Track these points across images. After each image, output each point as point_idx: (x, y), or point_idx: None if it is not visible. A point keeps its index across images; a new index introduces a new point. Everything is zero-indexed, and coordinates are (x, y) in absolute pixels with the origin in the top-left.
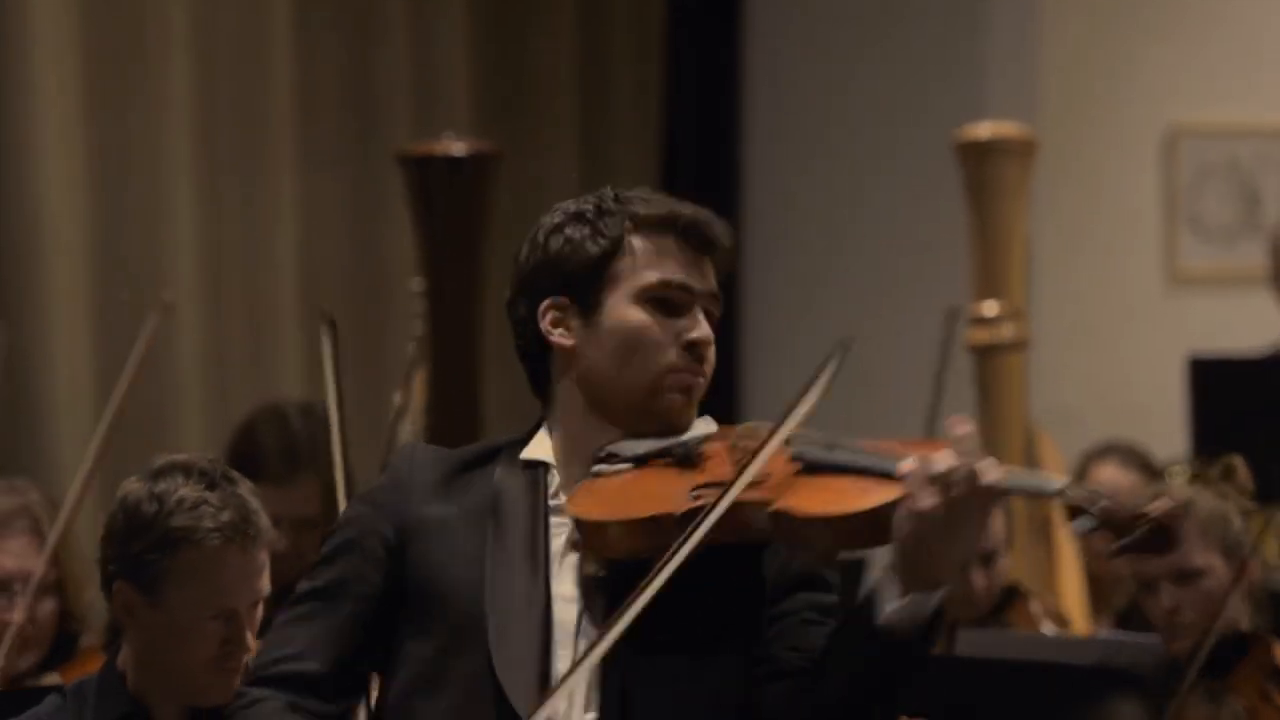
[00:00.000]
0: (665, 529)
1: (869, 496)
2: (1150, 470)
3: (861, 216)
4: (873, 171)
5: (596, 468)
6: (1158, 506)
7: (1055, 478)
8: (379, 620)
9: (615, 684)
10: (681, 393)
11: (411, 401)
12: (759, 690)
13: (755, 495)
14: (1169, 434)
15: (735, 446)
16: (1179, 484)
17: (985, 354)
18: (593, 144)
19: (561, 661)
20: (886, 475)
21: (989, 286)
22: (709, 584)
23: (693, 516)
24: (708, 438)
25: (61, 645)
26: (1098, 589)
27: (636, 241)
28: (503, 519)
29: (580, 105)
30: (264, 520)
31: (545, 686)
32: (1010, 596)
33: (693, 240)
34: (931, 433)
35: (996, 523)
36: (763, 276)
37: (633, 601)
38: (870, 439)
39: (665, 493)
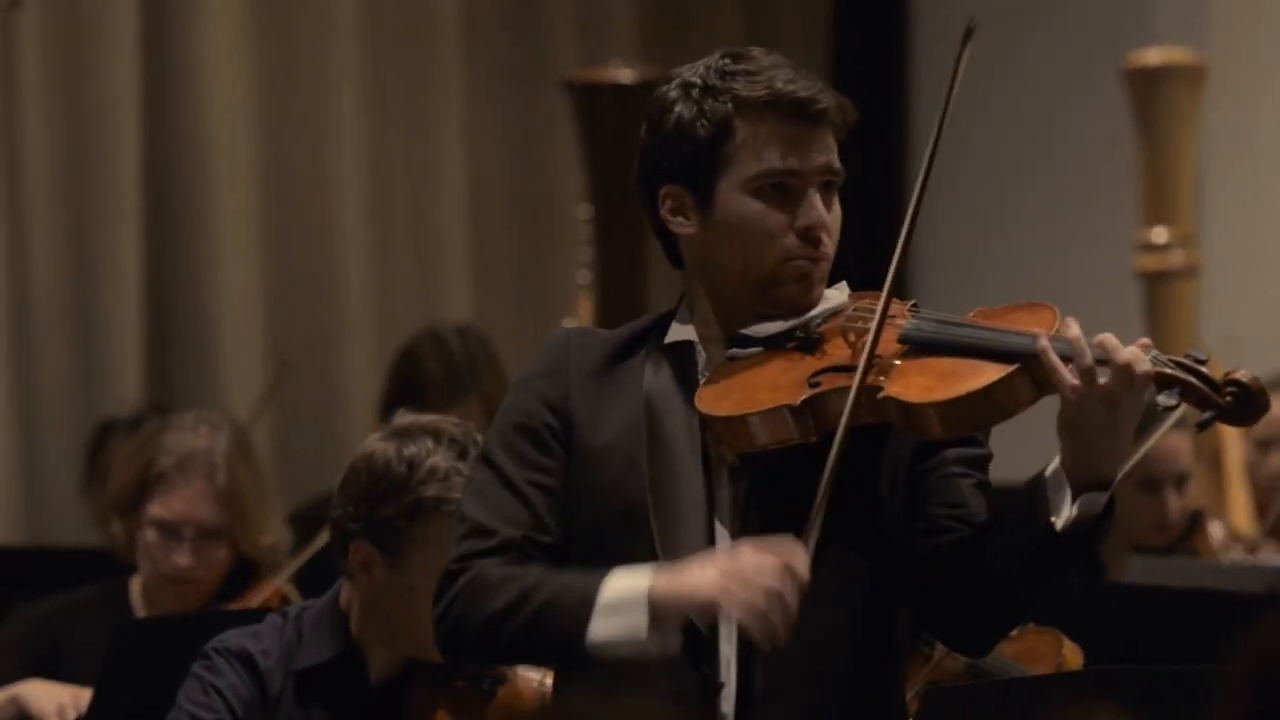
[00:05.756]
0: (785, 420)
1: (973, 378)
2: None
3: (1030, 143)
4: (1042, 98)
5: (731, 351)
6: (1242, 374)
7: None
8: (558, 503)
9: None
10: (798, 281)
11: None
12: (913, 547)
13: (868, 380)
14: None
15: (846, 328)
16: None
17: (1155, 281)
18: None
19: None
20: (997, 353)
21: (1158, 213)
22: (853, 462)
23: (810, 405)
24: (829, 315)
25: (239, 575)
26: (1266, 514)
27: (741, 125)
28: (655, 413)
29: (746, 29)
30: None
31: None
32: (1194, 521)
33: (798, 117)
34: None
35: (1185, 445)
36: (931, 204)
37: (814, 525)
38: (982, 309)
39: (785, 381)
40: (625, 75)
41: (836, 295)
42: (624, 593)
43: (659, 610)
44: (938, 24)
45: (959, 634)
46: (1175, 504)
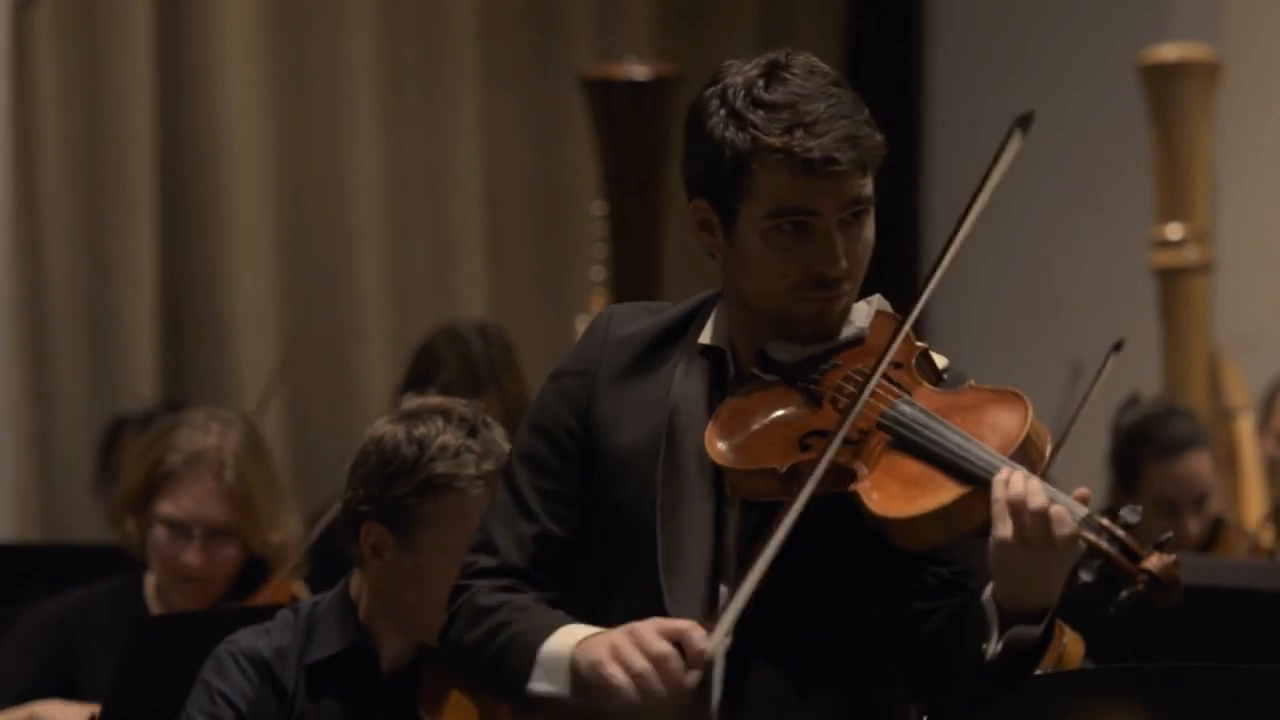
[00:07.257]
0: (773, 481)
1: (931, 496)
2: None
3: (1045, 139)
4: (1056, 94)
5: (752, 370)
6: (1157, 563)
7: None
8: (571, 511)
9: (752, 624)
10: (813, 316)
11: None
12: (908, 607)
13: (848, 462)
14: None
15: (836, 398)
16: None
17: (1169, 277)
18: None
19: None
20: (958, 470)
21: (1173, 209)
22: (846, 522)
23: (795, 471)
24: (845, 347)
25: (251, 572)
26: None
27: (758, 168)
28: (677, 425)
29: (761, 26)
30: None
31: (711, 612)
32: (1215, 528)
33: (814, 173)
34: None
35: (1206, 465)
36: (945, 201)
37: (748, 572)
38: (971, 385)
39: (781, 437)
40: (640, 71)
41: (862, 315)
42: (556, 652)
43: (578, 673)
44: (953, 16)
45: (931, 705)
46: (1194, 525)
